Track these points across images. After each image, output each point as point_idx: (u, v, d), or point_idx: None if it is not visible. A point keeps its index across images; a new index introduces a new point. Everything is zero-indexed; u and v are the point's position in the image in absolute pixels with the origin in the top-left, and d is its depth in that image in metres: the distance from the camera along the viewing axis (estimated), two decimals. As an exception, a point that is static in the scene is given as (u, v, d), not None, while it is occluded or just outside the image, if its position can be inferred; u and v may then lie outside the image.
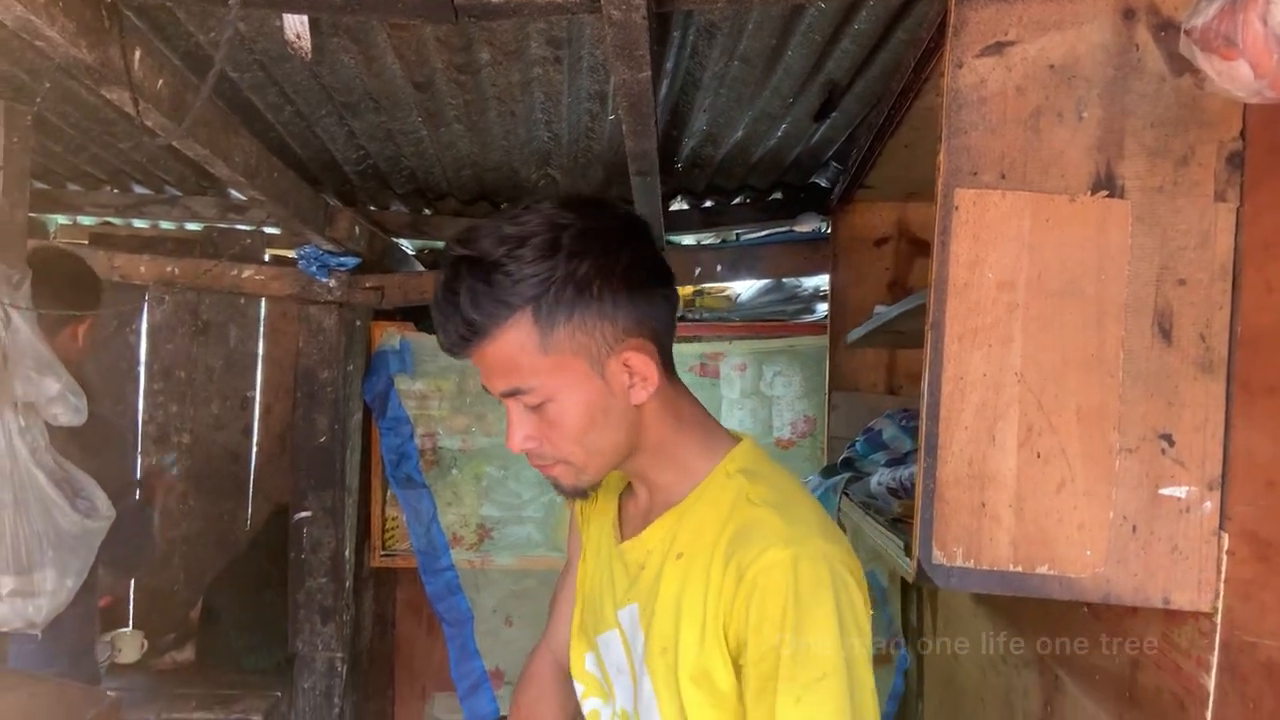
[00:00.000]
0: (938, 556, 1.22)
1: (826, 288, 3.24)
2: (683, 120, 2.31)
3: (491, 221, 1.09)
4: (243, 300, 3.43)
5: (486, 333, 1.05)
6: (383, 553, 3.37)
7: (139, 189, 2.97)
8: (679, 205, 3.07)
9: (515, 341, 1.06)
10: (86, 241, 3.26)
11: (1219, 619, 1.15)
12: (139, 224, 3.38)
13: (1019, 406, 1.20)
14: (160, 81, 1.67)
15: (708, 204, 3.07)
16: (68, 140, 2.51)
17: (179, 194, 2.98)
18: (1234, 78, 0.96)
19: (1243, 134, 1.18)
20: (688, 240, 3.39)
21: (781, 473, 1.20)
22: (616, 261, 1.10)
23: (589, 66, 1.96)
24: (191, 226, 3.39)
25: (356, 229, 2.79)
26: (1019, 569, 1.21)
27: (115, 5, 1.49)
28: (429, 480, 3.33)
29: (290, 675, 2.99)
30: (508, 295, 1.04)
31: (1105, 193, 1.20)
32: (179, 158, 2.62)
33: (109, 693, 2.00)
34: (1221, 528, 1.16)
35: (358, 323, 3.11)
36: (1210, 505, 1.17)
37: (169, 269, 2.99)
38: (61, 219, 3.34)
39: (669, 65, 1.95)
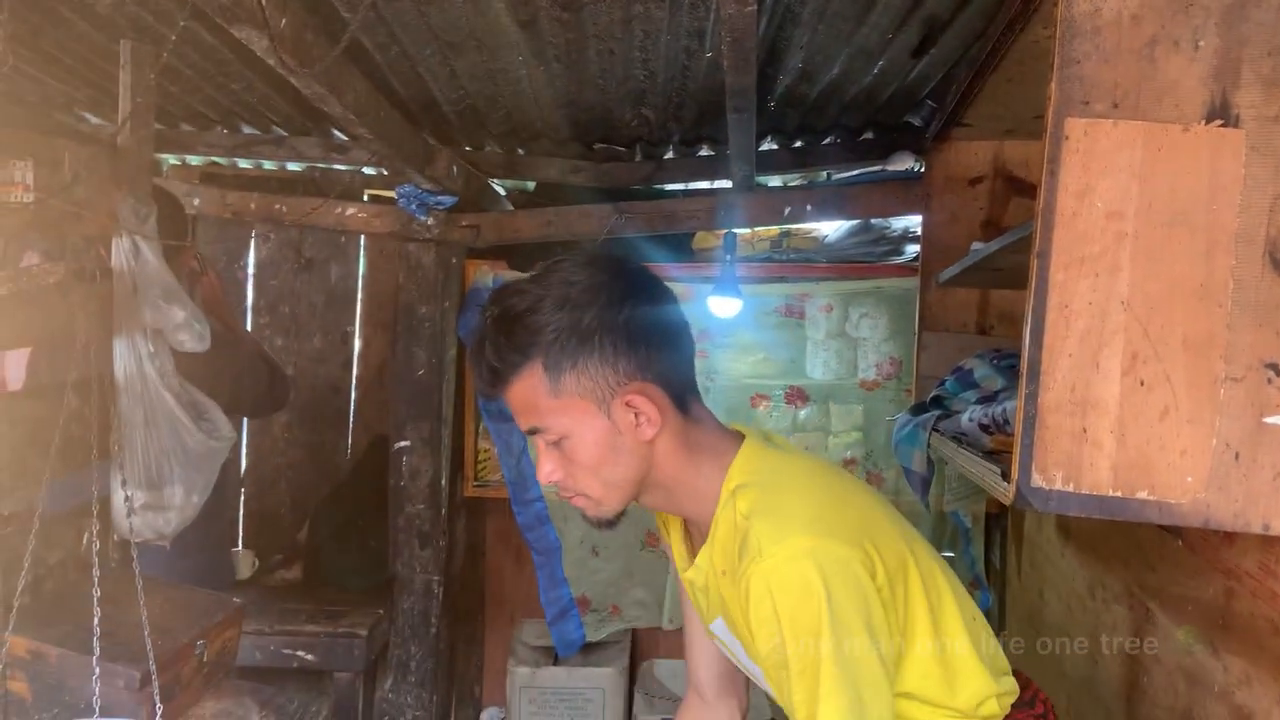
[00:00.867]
0: (1037, 480, 1.25)
1: (916, 229, 3.23)
2: (779, 58, 2.32)
3: (521, 281, 1.28)
4: (343, 239, 3.56)
5: (506, 379, 1.25)
6: (475, 483, 3.50)
7: (247, 129, 3.09)
8: (769, 145, 3.07)
9: (529, 386, 1.24)
10: (198, 180, 3.40)
11: (1320, 546, 1.17)
12: (244, 164, 3.51)
13: (1124, 334, 1.22)
14: (284, 20, 1.75)
15: (797, 144, 3.07)
16: (185, 81, 2.62)
17: (285, 134, 3.09)
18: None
19: (1365, 62, 1.16)
20: (775, 181, 3.40)
21: (777, 466, 1.29)
22: (619, 313, 1.24)
23: (690, 2, 1.98)
24: (293, 167, 3.52)
25: (454, 168, 2.86)
26: (1118, 494, 1.23)
27: (246, -54, 1.57)
28: (520, 414, 3.43)
29: (390, 596, 3.14)
30: (523, 347, 1.23)
31: (1220, 122, 1.20)
32: (286, 98, 2.72)
33: (235, 600, 2.14)
34: (1326, 457, 1.17)
35: (454, 260, 3.21)
36: (1316, 435, 1.18)
37: (277, 206, 3.12)
38: (172, 159, 3.49)
39: (769, 1, 1.96)
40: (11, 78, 2.48)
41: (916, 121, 2.84)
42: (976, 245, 2.22)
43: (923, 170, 2.83)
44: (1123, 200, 1.22)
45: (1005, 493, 1.34)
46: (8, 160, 2.15)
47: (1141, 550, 1.75)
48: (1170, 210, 1.21)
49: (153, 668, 1.75)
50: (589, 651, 3.52)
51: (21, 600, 1.74)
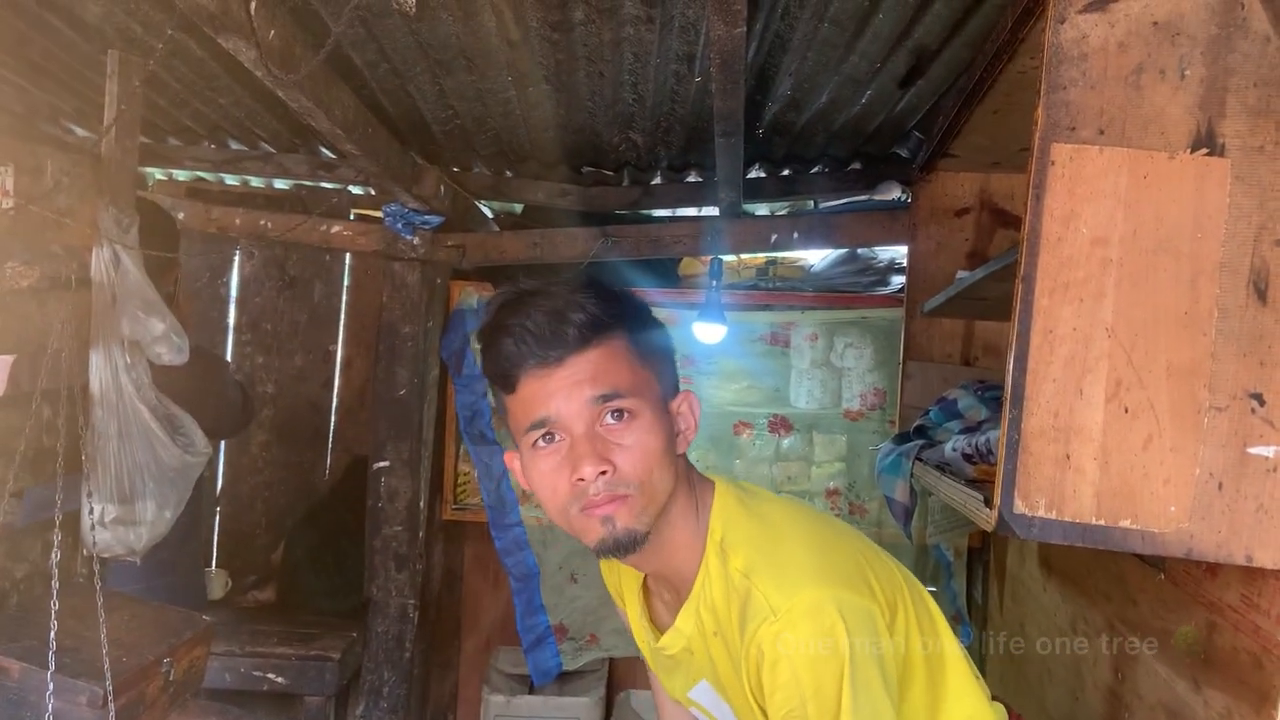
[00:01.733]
0: (1019, 507, 1.24)
1: (901, 260, 3.24)
2: (767, 84, 2.33)
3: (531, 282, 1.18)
4: (328, 257, 3.54)
5: (597, 336, 1.11)
6: (454, 506, 3.47)
7: (235, 145, 3.07)
8: (756, 173, 3.08)
9: (620, 349, 1.14)
10: (183, 195, 3.38)
11: (1303, 578, 1.16)
12: (230, 180, 3.49)
13: (1108, 361, 1.22)
14: (272, 32, 1.74)
15: (785, 172, 3.08)
16: (172, 94, 2.61)
17: (273, 151, 3.08)
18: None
19: (1349, 94, 1.17)
20: (762, 210, 3.40)
21: (757, 514, 1.21)
22: (658, 323, 1.24)
23: (679, 26, 1.98)
24: (280, 185, 3.50)
25: (442, 188, 2.86)
26: (1101, 522, 1.22)
27: (236, -45, 1.56)
28: (500, 438, 3.41)
29: (365, 619, 3.09)
30: (603, 313, 1.12)
31: (1205, 151, 1.21)
32: (275, 114, 2.71)
33: (204, 618, 2.10)
34: (1309, 488, 1.16)
35: (438, 280, 3.19)
36: (1299, 466, 1.17)
37: (262, 222, 3.10)
38: (158, 173, 3.47)
39: (759, 26, 1.97)
40: (-4, 85, 2.47)
41: (903, 152, 2.86)
42: (962, 274, 2.23)
43: (909, 201, 2.85)
44: (1108, 226, 1.22)
45: (988, 519, 1.32)
46: (-13, 166, 2.13)
47: (1124, 584, 1.74)
48: (1155, 237, 1.21)
49: (109, 686, 1.70)
50: (565, 680, 3.48)
51: (-17, 613, 1.70)
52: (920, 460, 2.19)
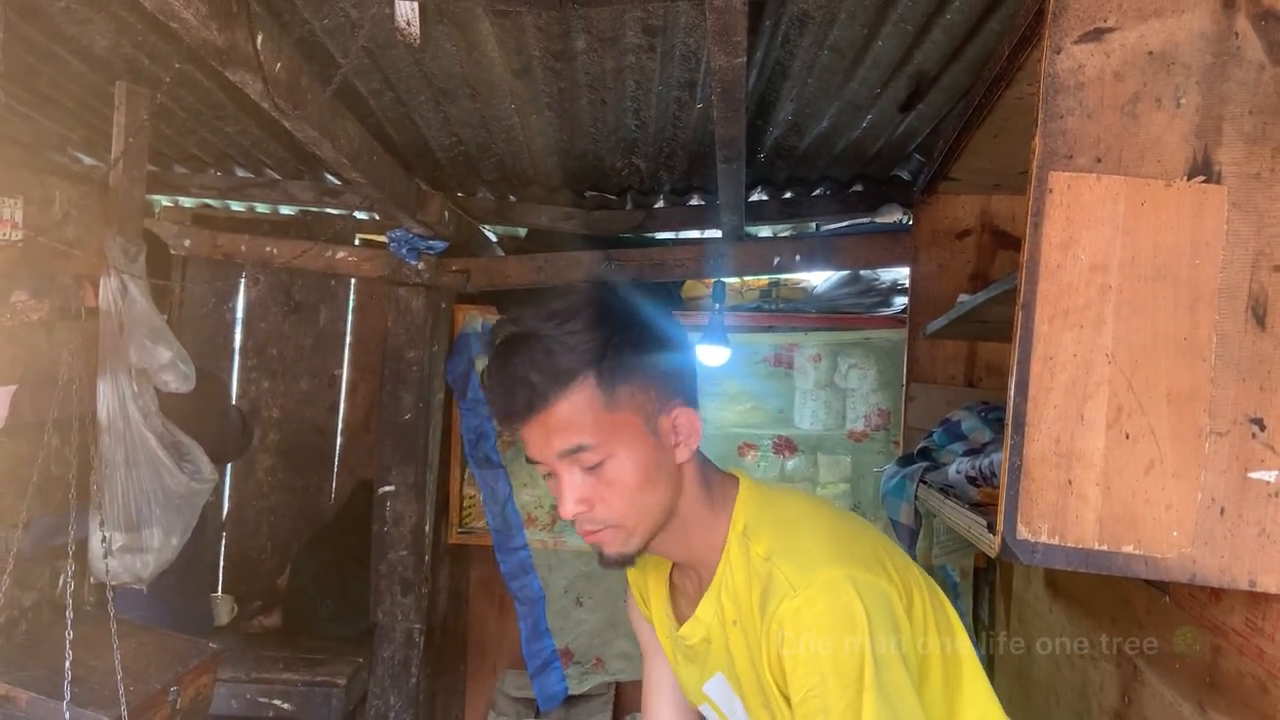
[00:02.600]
0: (1022, 533, 1.24)
1: (904, 281, 3.25)
2: (768, 110, 2.35)
3: (531, 307, 1.19)
4: (333, 282, 3.56)
5: (554, 397, 1.13)
6: (460, 530, 3.47)
7: (241, 172, 3.10)
8: (759, 196, 3.10)
9: (582, 401, 1.14)
10: (190, 222, 3.41)
11: (1306, 602, 1.16)
12: (236, 207, 3.53)
13: (1109, 387, 1.22)
14: (279, 65, 1.77)
15: (787, 195, 3.10)
16: (179, 123, 2.64)
17: (278, 178, 3.10)
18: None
19: (1344, 122, 1.18)
20: (765, 232, 3.42)
21: (780, 506, 1.25)
22: (656, 328, 1.21)
23: (681, 55, 2.01)
24: (285, 211, 3.53)
25: (446, 213, 2.88)
26: (1104, 547, 1.22)
27: (242, -10, 1.59)
28: (505, 461, 3.41)
29: (371, 644, 3.09)
30: (569, 361, 1.13)
31: (1202, 178, 1.22)
32: (281, 141, 2.74)
33: (211, 645, 2.10)
34: (1311, 513, 1.17)
35: (443, 305, 3.21)
36: (1301, 490, 1.18)
37: (268, 249, 3.12)
38: (165, 200, 3.49)
39: (759, 55, 1.99)
40: (5, 117, 2.49)
41: (905, 175, 2.87)
42: (963, 297, 2.24)
43: (911, 223, 2.86)
44: (1106, 253, 1.23)
45: (991, 545, 1.33)
46: (-3, 197, 2.16)
47: (1129, 606, 1.74)
48: (1154, 264, 1.22)
49: (124, 715, 1.71)
50: (571, 704, 3.47)
51: (-8, 642, 1.71)
52: (924, 482, 2.19)
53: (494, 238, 3.51)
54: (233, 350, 3.62)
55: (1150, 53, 1.24)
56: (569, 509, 1.17)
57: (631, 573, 1.46)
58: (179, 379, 2.22)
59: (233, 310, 3.62)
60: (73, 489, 2.02)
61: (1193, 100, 1.23)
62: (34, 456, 1.93)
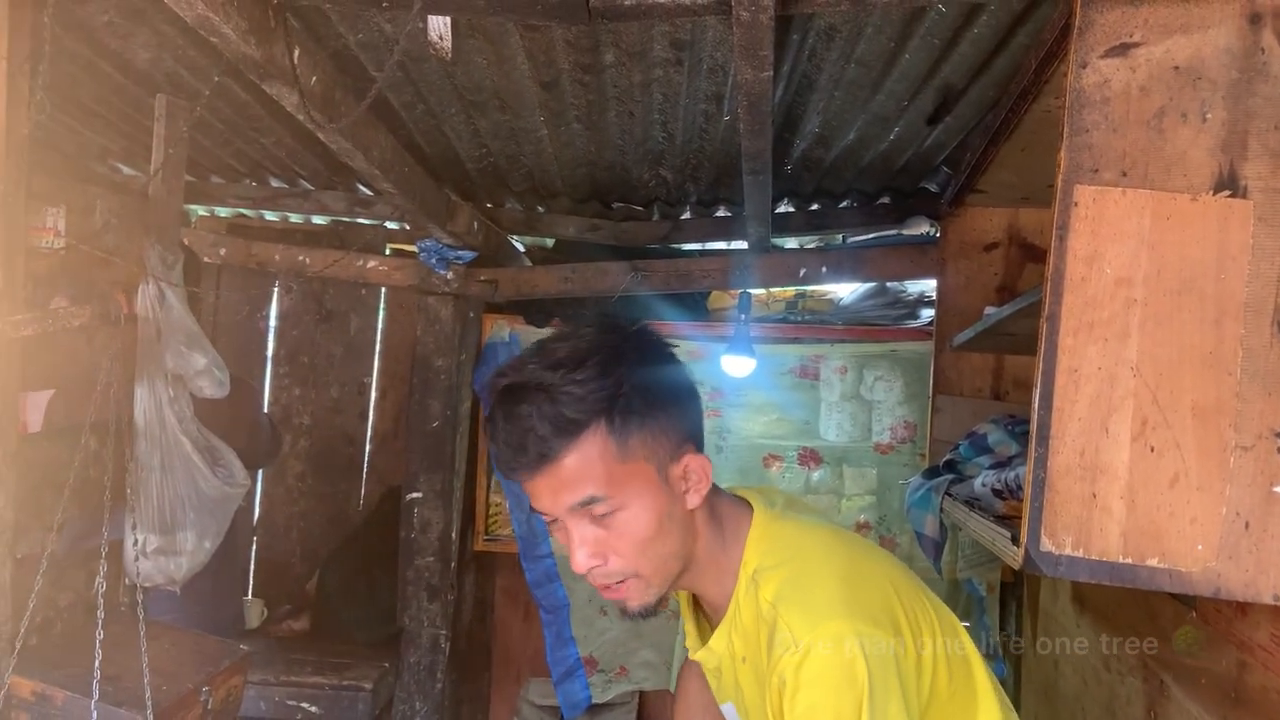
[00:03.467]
0: (1046, 545, 1.24)
1: (931, 293, 3.25)
2: (795, 122, 2.36)
3: (534, 352, 1.14)
4: (363, 291, 3.61)
5: (563, 450, 1.09)
6: (485, 537, 3.50)
7: (275, 183, 3.15)
8: (785, 208, 3.11)
9: (594, 452, 1.10)
10: (225, 231, 3.47)
11: (1333, 618, 1.16)
12: (270, 217, 3.58)
13: (1134, 400, 1.22)
14: (314, 78, 1.81)
15: (814, 207, 3.11)
16: (216, 135, 2.69)
17: (311, 188, 3.15)
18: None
19: (1371, 137, 1.18)
20: (791, 244, 3.43)
21: (792, 544, 1.21)
22: (666, 373, 1.18)
23: (708, 68, 2.03)
24: (318, 221, 3.59)
25: (475, 224, 2.91)
26: (1128, 560, 1.22)
27: (280, 5, 1.63)
28: (532, 469, 3.43)
29: (397, 649, 3.12)
30: (578, 411, 1.09)
31: (1228, 193, 1.22)
32: (314, 152, 2.78)
33: (242, 647, 2.13)
34: (1338, 528, 1.16)
35: (471, 314, 3.24)
36: (1327, 505, 1.17)
37: (300, 258, 3.17)
38: (201, 210, 3.56)
39: (786, 68, 2.01)
40: (49, 127, 2.55)
41: (932, 187, 2.88)
42: (990, 310, 2.24)
43: (938, 235, 2.86)
44: (1131, 267, 1.23)
45: (1014, 557, 1.33)
46: (41, 206, 2.22)
47: (1156, 621, 1.73)
48: (1179, 278, 1.22)
49: (150, 714, 1.74)
50: (595, 713, 3.48)
51: (29, 641, 1.75)
52: (950, 495, 2.19)
53: (521, 248, 3.54)
54: (265, 357, 3.67)
55: (1176, 68, 1.24)
56: (582, 563, 1.13)
57: None
58: (214, 385, 2.26)
59: (266, 318, 3.67)
60: (108, 491, 2.06)
61: (1219, 115, 1.23)
62: (71, 459, 1.98)
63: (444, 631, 3.13)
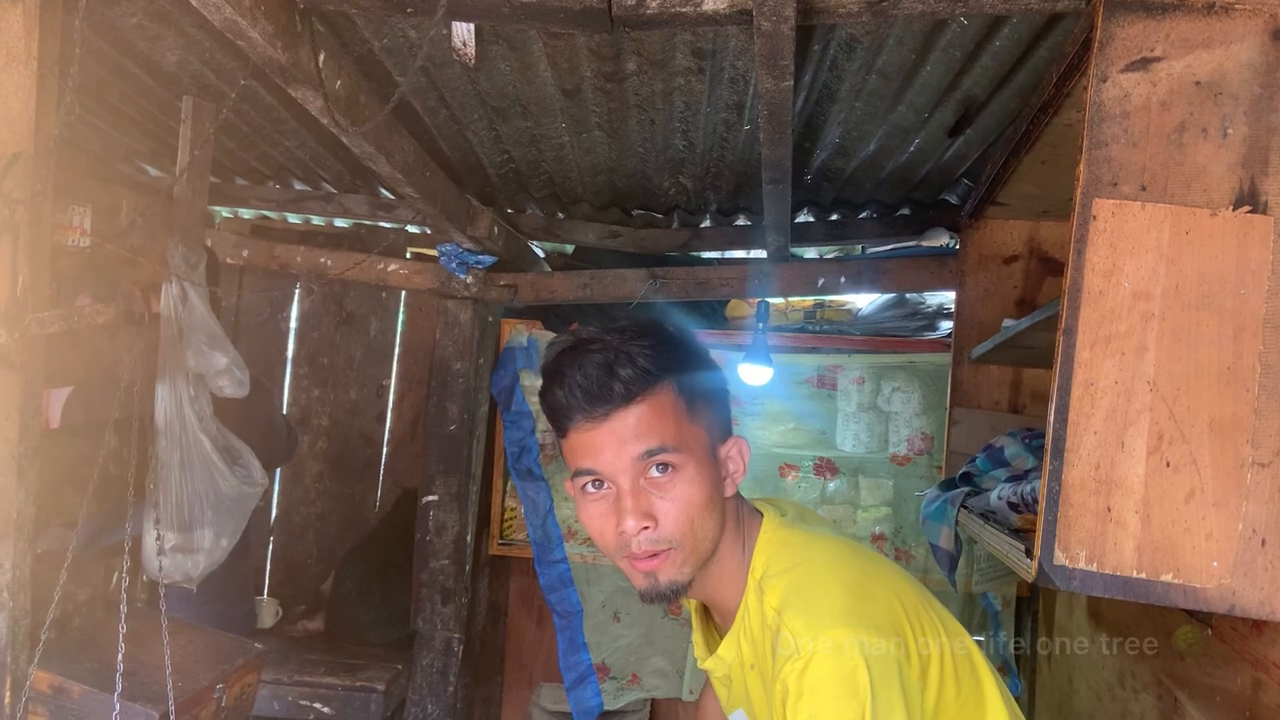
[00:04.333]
0: (1060, 558, 1.24)
1: (949, 305, 3.24)
2: (815, 132, 2.36)
3: (588, 330, 1.18)
4: (384, 294, 3.63)
5: (643, 393, 1.12)
6: (500, 541, 3.51)
7: (299, 185, 3.18)
8: (805, 217, 3.11)
9: (667, 404, 1.14)
10: (248, 233, 3.50)
11: (1350, 638, 1.15)
12: (293, 219, 3.62)
13: (1150, 415, 1.22)
14: (339, 82, 1.83)
15: (833, 217, 3.11)
16: (241, 137, 2.72)
17: (334, 191, 3.18)
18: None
19: (1394, 154, 1.17)
20: (810, 253, 3.43)
21: (799, 552, 1.21)
22: (711, 359, 1.23)
23: (729, 78, 2.03)
24: (340, 223, 3.62)
25: (495, 229, 2.93)
26: (1142, 575, 1.22)
27: (306, 10, 1.65)
28: (548, 474, 3.45)
29: (410, 651, 3.13)
30: (652, 364, 1.13)
31: (1248, 208, 1.22)
32: (338, 156, 2.81)
33: (256, 646, 2.15)
34: (1356, 547, 1.16)
35: (490, 319, 3.26)
36: (1345, 524, 1.16)
37: (322, 260, 3.20)
38: (225, 211, 3.60)
39: (807, 78, 2.01)
40: (76, 127, 2.59)
41: (952, 199, 2.87)
42: (1008, 322, 2.23)
43: (958, 247, 2.85)
44: (1150, 281, 1.23)
45: (1028, 570, 1.33)
46: (68, 205, 2.25)
47: (1172, 639, 1.72)
48: (1198, 293, 1.22)
49: (172, 710, 1.76)
50: None
51: (49, 635, 1.77)
52: (966, 508, 2.18)
53: (541, 254, 3.56)
54: (285, 358, 3.70)
55: (1197, 82, 1.24)
56: (632, 527, 1.12)
57: None
58: (234, 384, 2.28)
59: (287, 320, 3.71)
60: (130, 488, 2.09)
61: (1240, 130, 1.23)
62: (93, 456, 2.00)
63: (457, 635, 3.14)
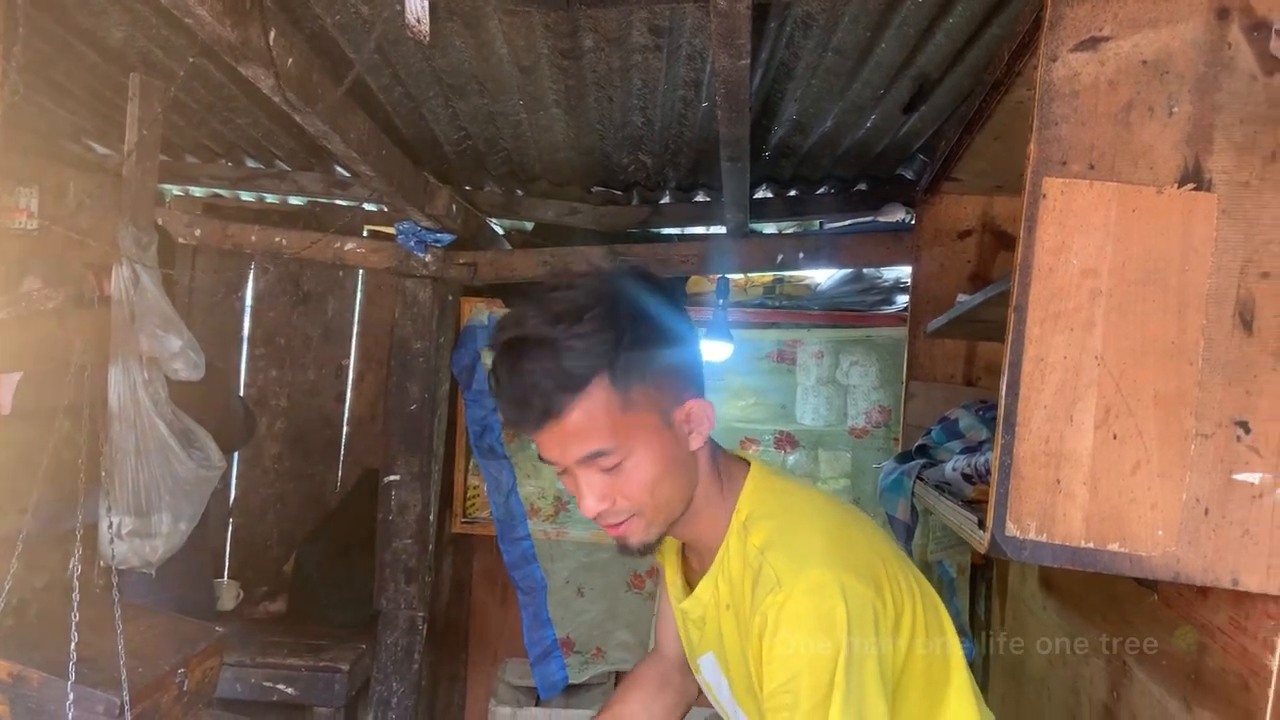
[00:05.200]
0: (1011, 529, 1.27)
1: (907, 279, 3.27)
2: (773, 109, 2.37)
3: (533, 305, 1.15)
4: (341, 273, 3.60)
5: (567, 406, 1.11)
6: (463, 519, 3.51)
7: (251, 163, 3.13)
8: (763, 193, 3.12)
9: (598, 406, 1.12)
10: (200, 211, 3.45)
11: (1287, 602, 1.19)
12: (246, 197, 3.56)
13: (1098, 389, 1.25)
14: (290, 60, 1.80)
15: (792, 193, 3.13)
16: (191, 115, 2.67)
17: (288, 169, 3.13)
18: (1322, 77, 1.00)
19: (1332, 132, 1.20)
20: (769, 229, 3.45)
21: (785, 499, 1.26)
22: (665, 319, 1.19)
23: (687, 55, 2.03)
24: (294, 201, 3.56)
25: (454, 207, 2.91)
26: (1090, 545, 1.25)
27: (256, -13, 1.62)
28: (510, 452, 3.45)
29: (374, 630, 3.13)
30: (581, 366, 1.10)
31: (1192, 186, 1.24)
32: (290, 133, 2.77)
33: (217, 629, 2.14)
34: (1293, 514, 1.20)
35: (449, 297, 3.24)
36: (1284, 492, 1.20)
37: (277, 239, 3.16)
38: (175, 190, 3.53)
39: (764, 55, 2.02)
40: (21, 106, 2.52)
41: (908, 174, 2.90)
42: (962, 297, 2.26)
43: (913, 222, 2.88)
44: (1097, 258, 1.25)
45: (980, 541, 1.36)
46: (14, 186, 2.20)
47: (1119, 605, 1.77)
48: (1144, 269, 1.24)
49: (126, 698, 1.75)
50: (571, 693, 3.51)
51: (4, 623, 1.75)
52: (922, 479, 2.22)
53: (500, 231, 3.54)
54: (241, 339, 3.66)
55: (1144, 62, 1.26)
56: (590, 508, 1.17)
57: None
58: (189, 367, 2.25)
59: (242, 300, 3.66)
60: (82, 474, 2.06)
61: (1185, 109, 1.25)
62: (45, 442, 1.97)
63: (421, 613, 3.14)
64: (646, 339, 1.16)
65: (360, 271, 3.63)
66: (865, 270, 3.41)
